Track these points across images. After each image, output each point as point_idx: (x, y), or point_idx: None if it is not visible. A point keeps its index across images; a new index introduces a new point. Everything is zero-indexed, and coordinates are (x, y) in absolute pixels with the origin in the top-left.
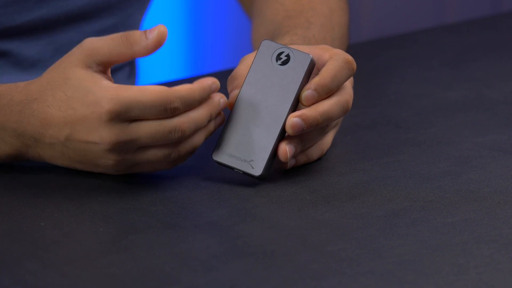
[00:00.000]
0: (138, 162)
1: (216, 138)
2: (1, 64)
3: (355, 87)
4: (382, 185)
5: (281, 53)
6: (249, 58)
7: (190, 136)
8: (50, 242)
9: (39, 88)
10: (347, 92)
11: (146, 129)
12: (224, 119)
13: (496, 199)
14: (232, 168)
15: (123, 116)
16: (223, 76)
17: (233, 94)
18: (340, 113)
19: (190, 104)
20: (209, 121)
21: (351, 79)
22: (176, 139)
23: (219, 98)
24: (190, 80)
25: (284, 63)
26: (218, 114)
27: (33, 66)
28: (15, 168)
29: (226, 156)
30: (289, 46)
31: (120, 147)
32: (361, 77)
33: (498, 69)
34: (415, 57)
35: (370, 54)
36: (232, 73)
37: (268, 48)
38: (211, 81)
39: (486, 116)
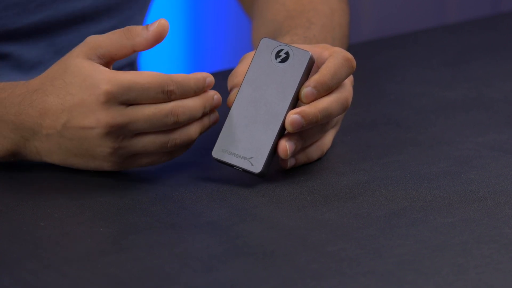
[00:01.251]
0: (135, 152)
1: (216, 136)
2: (1, 66)
3: (355, 87)
4: (382, 185)
5: (280, 50)
6: (249, 57)
7: (185, 125)
8: (50, 242)
9: (39, 81)
10: (346, 90)
11: (143, 112)
12: (218, 119)
13: (496, 199)
14: (232, 166)
15: (120, 98)
16: (223, 76)
17: (233, 91)
18: (339, 110)
19: (186, 91)
20: (204, 115)
21: (351, 77)
22: (171, 124)
23: (213, 94)
24: None
25: (284, 60)
26: (213, 111)
27: (33, 68)
28: (15, 168)
29: (226, 153)
30: (293, 44)
31: (117, 131)
32: (361, 77)
33: (498, 69)
34: (415, 57)
35: (370, 54)
36: (233, 72)
37: (268, 46)
38: (206, 75)
39: (486, 115)
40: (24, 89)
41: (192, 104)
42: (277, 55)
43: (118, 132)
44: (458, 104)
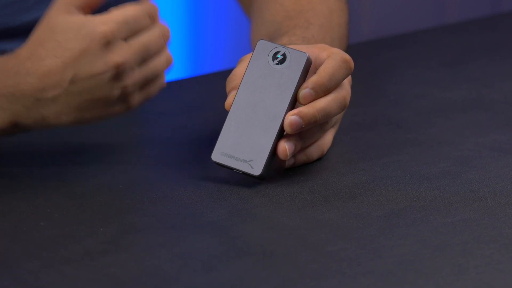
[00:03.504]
0: (142, 83)
1: (215, 139)
2: None
3: (355, 87)
4: (382, 185)
5: (277, 52)
6: (246, 59)
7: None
8: (50, 242)
9: (28, 48)
10: (344, 89)
11: (140, 41)
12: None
13: (496, 199)
14: (231, 169)
15: (120, 34)
16: (223, 76)
17: (231, 94)
18: (338, 110)
19: (157, 11)
20: None
21: (349, 77)
22: (163, 45)
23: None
24: (190, 80)
25: (281, 62)
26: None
27: None
28: (15, 168)
29: (225, 156)
30: (287, 45)
31: (125, 68)
32: (361, 77)
33: (498, 69)
34: (415, 57)
35: (370, 54)
36: (230, 75)
37: (264, 48)
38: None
39: (486, 116)
40: (15, 60)
41: (164, 24)
42: (274, 57)
43: (126, 68)
44: (458, 104)
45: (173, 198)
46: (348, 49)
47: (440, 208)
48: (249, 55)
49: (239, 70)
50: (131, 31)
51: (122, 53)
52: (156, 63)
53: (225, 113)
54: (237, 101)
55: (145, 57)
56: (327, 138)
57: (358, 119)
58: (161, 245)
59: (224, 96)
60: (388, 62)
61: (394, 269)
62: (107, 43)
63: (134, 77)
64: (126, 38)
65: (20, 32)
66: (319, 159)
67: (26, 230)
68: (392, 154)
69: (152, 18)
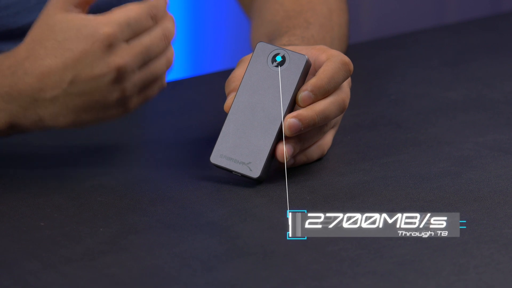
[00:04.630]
0: (141, 85)
1: (214, 141)
2: None
3: (355, 87)
4: (382, 185)
5: (276, 54)
6: (246, 60)
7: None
8: (50, 242)
9: (26, 47)
10: (343, 92)
11: (142, 43)
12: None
13: (496, 199)
14: (230, 171)
15: (122, 36)
16: (223, 76)
17: (230, 96)
18: (337, 112)
19: (162, 11)
20: None
21: (349, 79)
22: (165, 46)
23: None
24: (190, 80)
25: (280, 64)
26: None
27: None
28: (15, 168)
29: (224, 159)
30: (286, 47)
31: (126, 70)
32: (361, 77)
33: (498, 69)
34: (415, 57)
35: (370, 54)
36: (230, 76)
37: (264, 50)
38: None
39: (487, 116)
40: (12, 60)
41: (170, 24)
42: (273, 59)
43: (127, 71)
44: (458, 104)
45: (173, 198)
46: (348, 49)
47: (440, 208)
48: (248, 56)
49: (238, 72)
50: (133, 33)
51: (124, 56)
52: (157, 65)
53: (225, 113)
54: (236, 103)
55: (146, 59)
56: (327, 139)
57: (358, 119)
58: (161, 245)
59: (224, 96)
60: (388, 62)
61: (395, 269)
62: (110, 45)
63: (134, 79)
64: (127, 40)
65: (21, 34)
66: (319, 159)
67: (26, 230)
68: (392, 154)
69: (154, 19)
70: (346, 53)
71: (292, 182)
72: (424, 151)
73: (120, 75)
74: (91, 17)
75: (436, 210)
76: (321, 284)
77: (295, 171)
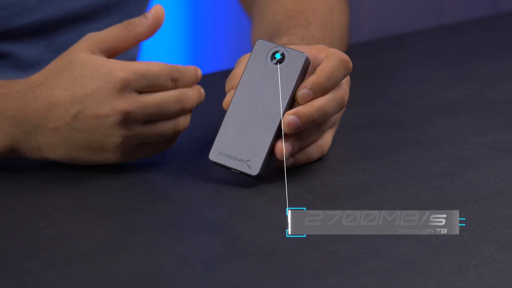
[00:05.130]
0: (143, 140)
1: (213, 138)
2: (0, 65)
3: (355, 87)
4: (382, 185)
5: (275, 52)
6: (245, 59)
7: (186, 112)
8: (50, 242)
9: (42, 75)
10: (342, 89)
11: (154, 98)
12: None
13: (496, 199)
14: (229, 168)
15: (135, 85)
16: (223, 76)
17: (229, 94)
18: (335, 109)
19: (187, 80)
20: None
21: (348, 77)
22: (178, 110)
23: (200, 87)
24: None
25: (279, 62)
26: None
27: (33, 67)
28: (15, 168)
29: (223, 156)
30: (285, 45)
31: (130, 118)
32: (361, 77)
33: (498, 69)
34: (415, 57)
35: (370, 54)
36: (230, 75)
37: (263, 48)
38: (197, 68)
39: (487, 115)
40: (25, 84)
41: (192, 93)
42: (273, 56)
43: (131, 119)
44: (458, 104)
45: (173, 198)
46: (348, 49)
47: (440, 208)
48: (247, 55)
49: (238, 70)
50: (147, 86)
51: (131, 103)
52: (164, 126)
53: (225, 111)
54: (235, 101)
55: (154, 116)
56: (327, 138)
57: (358, 119)
58: (161, 245)
59: (224, 95)
60: (388, 62)
61: (394, 269)
62: (121, 89)
63: (137, 131)
64: (140, 92)
65: (21, 34)
66: (319, 159)
67: (26, 230)
68: (392, 154)
69: (174, 81)
70: (346, 53)
71: (292, 182)
72: (424, 151)
73: (123, 120)
74: (111, 60)
75: (436, 210)
76: (321, 284)
77: (295, 171)
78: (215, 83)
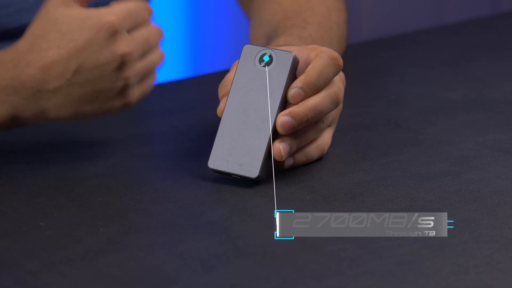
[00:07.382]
0: (143, 75)
1: (211, 145)
2: None
3: (355, 87)
4: (382, 185)
5: (263, 54)
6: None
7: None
8: (50, 242)
9: (27, 41)
10: (335, 86)
11: (142, 35)
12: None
13: (496, 199)
14: (229, 174)
15: (125, 25)
16: (223, 76)
17: (222, 101)
18: (330, 106)
19: (151, 10)
20: None
21: (342, 75)
22: (159, 40)
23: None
24: (190, 80)
25: (267, 64)
26: None
27: None
28: (15, 168)
29: (222, 163)
30: (281, 47)
31: (129, 58)
32: (361, 77)
33: (498, 69)
34: (415, 57)
35: (370, 54)
36: (222, 81)
37: (251, 52)
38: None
39: (486, 116)
40: (14, 53)
41: (157, 26)
42: (261, 59)
43: (129, 59)
44: (458, 104)
45: (173, 198)
46: (348, 49)
47: (440, 208)
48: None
49: (230, 76)
50: (134, 24)
51: (127, 44)
52: (153, 58)
53: (217, 121)
54: (228, 107)
55: (145, 50)
56: (326, 138)
57: (357, 119)
58: (161, 245)
59: (217, 102)
60: (388, 62)
61: (394, 269)
62: (114, 33)
63: (135, 68)
64: (129, 31)
65: (20, 33)
66: (319, 159)
67: (26, 230)
68: (392, 154)
69: (149, 13)
70: (346, 52)
71: (292, 182)
72: (424, 151)
73: (124, 63)
74: (93, 9)
75: (436, 210)
76: (321, 284)
77: (295, 171)
78: (215, 83)
